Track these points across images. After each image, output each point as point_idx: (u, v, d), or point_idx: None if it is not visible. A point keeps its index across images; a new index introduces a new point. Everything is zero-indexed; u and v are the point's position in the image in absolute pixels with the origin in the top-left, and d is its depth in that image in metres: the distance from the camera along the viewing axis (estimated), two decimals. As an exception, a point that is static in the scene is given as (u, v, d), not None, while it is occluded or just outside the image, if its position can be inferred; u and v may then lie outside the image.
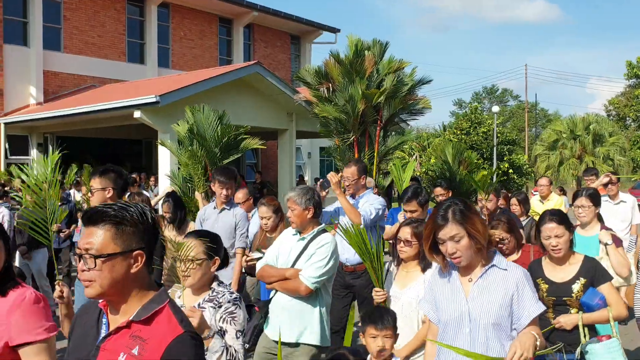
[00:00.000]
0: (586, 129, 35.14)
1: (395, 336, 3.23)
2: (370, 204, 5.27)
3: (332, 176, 5.20)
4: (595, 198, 4.80)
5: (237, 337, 2.90)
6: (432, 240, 2.74)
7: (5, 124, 17.82)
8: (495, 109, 32.31)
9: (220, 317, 2.92)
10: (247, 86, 16.53)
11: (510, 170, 33.79)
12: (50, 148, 18.72)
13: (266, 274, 4.07)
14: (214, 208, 5.70)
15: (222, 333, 2.87)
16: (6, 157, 17.86)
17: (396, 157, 29.13)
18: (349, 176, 5.41)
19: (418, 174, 33.63)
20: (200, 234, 3.11)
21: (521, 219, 6.56)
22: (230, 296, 3.00)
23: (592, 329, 3.61)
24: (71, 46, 19.80)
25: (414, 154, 35.78)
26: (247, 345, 3.82)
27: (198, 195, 9.15)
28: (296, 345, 3.90)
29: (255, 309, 4.18)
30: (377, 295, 3.73)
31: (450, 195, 6.45)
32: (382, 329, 3.15)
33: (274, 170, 21.80)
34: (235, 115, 12.77)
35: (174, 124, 11.92)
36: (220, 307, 2.95)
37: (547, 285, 3.66)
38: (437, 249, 2.76)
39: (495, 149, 31.03)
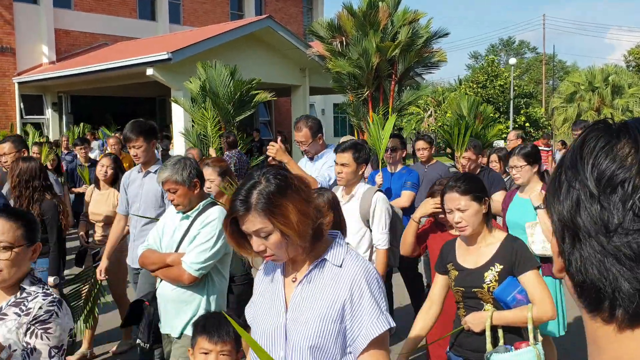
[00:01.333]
0: (605, 80, 34.44)
1: (237, 353, 2.50)
2: (330, 165, 4.49)
3: (271, 148, 4.41)
4: (530, 156, 4.21)
5: (51, 356, 2.14)
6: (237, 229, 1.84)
7: (19, 83, 17.85)
8: (512, 61, 31.70)
9: (28, 329, 2.13)
10: (259, 41, 16.31)
11: (527, 124, 33.40)
12: (64, 107, 18.77)
13: (147, 260, 3.43)
14: (139, 172, 4.67)
15: (28, 351, 2.12)
16: (22, 116, 17.95)
17: (410, 112, 28.85)
18: (302, 140, 4.65)
19: (433, 129, 33.40)
20: (10, 213, 2.28)
21: (503, 176, 5.86)
22: (44, 299, 2.19)
23: (516, 332, 2.76)
24: (81, 3, 19.59)
25: (429, 109, 35.43)
26: (147, 345, 3.47)
27: (212, 152, 9.15)
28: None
29: (145, 303, 3.53)
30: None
31: (432, 151, 5.94)
32: (217, 342, 2.43)
33: (287, 127, 21.70)
34: (247, 71, 12.65)
35: (186, 82, 11.85)
36: (27, 314, 2.15)
37: (456, 272, 2.87)
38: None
39: (511, 102, 30.59)
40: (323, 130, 5.02)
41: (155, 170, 4.39)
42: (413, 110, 30.02)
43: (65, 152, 11.34)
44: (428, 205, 3.67)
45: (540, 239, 4.01)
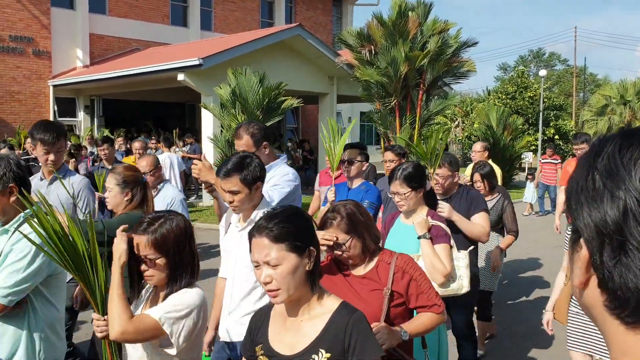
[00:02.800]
0: (637, 94, 33.81)
1: None
2: (273, 185, 3.68)
3: (194, 166, 3.51)
4: (413, 179, 3.46)
5: None
6: None
7: (54, 86, 18.28)
8: (543, 72, 31.29)
9: None
10: (289, 49, 16.46)
11: (557, 137, 32.97)
12: (96, 110, 19.16)
13: None
14: (41, 179, 4.08)
15: None
16: (55, 118, 18.37)
17: (437, 122, 28.73)
18: (243, 149, 3.76)
19: (460, 138, 33.17)
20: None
21: (487, 199, 5.13)
22: None
23: None
24: (116, 9, 20.02)
25: (456, 119, 35.21)
26: None
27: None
28: None
29: None
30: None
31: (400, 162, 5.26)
32: None
33: (314, 135, 21.79)
34: (276, 78, 12.78)
35: (216, 87, 12.02)
36: None
37: None
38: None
39: (541, 114, 30.23)
40: (271, 139, 4.24)
41: (64, 175, 4.04)
42: (440, 120, 29.90)
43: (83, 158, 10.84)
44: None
45: None
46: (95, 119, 18.98)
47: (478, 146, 7.59)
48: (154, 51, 19.34)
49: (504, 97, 33.46)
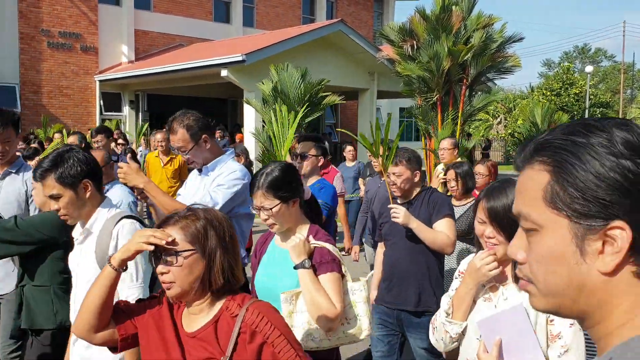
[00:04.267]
0: (690, 91, 32.69)
1: None
2: (218, 185, 3.20)
3: (120, 170, 3.05)
4: (281, 188, 2.52)
5: None
6: None
7: (100, 81, 18.74)
8: (589, 68, 30.58)
9: None
10: (330, 45, 16.47)
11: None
12: (141, 105, 19.56)
13: None
14: None
15: None
16: (101, 113, 18.84)
17: (479, 119, 28.34)
18: (179, 145, 3.29)
19: (503, 135, 32.64)
20: None
21: (459, 203, 4.57)
22: None
23: None
24: (160, 5, 20.38)
25: (498, 115, 34.66)
26: None
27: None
28: None
29: None
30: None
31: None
32: None
33: (353, 131, 21.78)
34: (317, 73, 12.81)
35: (258, 83, 12.13)
36: None
37: None
38: None
39: (587, 111, 29.51)
40: (215, 129, 3.60)
41: (17, 170, 3.58)
42: (482, 116, 29.48)
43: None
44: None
45: (303, 326, 2.43)
46: (140, 114, 19.38)
47: (446, 143, 6.63)
48: (197, 47, 19.62)
49: (548, 93, 32.78)
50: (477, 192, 5.08)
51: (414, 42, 13.37)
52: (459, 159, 6.20)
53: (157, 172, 7.46)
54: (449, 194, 4.69)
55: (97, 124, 18.17)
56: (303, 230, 2.58)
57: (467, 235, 4.34)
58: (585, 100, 30.17)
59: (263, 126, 12.51)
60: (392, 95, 20.13)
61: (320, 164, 4.29)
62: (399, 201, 3.61)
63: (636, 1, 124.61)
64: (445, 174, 4.83)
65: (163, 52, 19.89)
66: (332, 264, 2.45)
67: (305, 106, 11.44)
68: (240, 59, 13.73)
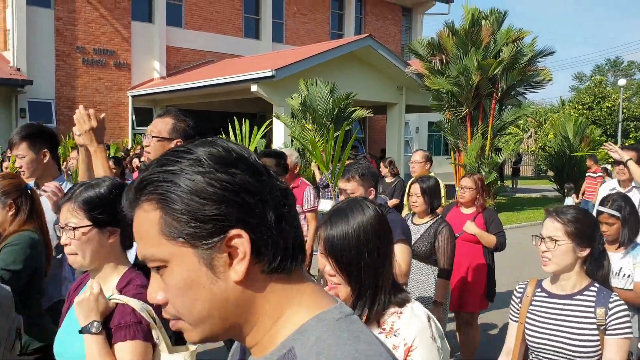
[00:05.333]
0: None
1: None
2: None
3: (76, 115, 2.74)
4: (93, 207, 1.94)
5: None
6: None
7: (133, 96, 19.11)
8: (622, 82, 30.00)
9: None
10: (358, 60, 16.54)
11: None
12: (172, 120, 19.86)
13: None
14: None
15: None
16: (133, 127, 19.20)
17: (509, 133, 28.06)
18: (21, 155, 3.00)
19: (533, 149, 32.20)
20: None
21: (422, 221, 4.28)
22: None
23: None
24: (192, 22, 20.76)
25: (528, 129, 34.24)
26: None
27: (314, 166, 9.36)
28: None
29: None
30: None
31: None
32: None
33: (382, 144, 21.75)
34: (345, 88, 12.86)
35: (288, 98, 12.24)
36: None
37: None
38: None
39: (620, 125, 28.95)
40: (55, 144, 3.24)
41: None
42: (512, 130, 29.16)
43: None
44: None
45: None
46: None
47: (418, 156, 6.25)
48: (227, 63, 19.89)
49: (580, 107, 32.29)
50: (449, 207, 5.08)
51: (443, 57, 13.37)
52: (432, 173, 5.97)
53: None
54: (412, 211, 4.42)
55: (130, 139, 18.51)
56: (113, 275, 1.92)
57: (430, 257, 4.12)
58: (619, 113, 29.64)
59: (292, 141, 12.61)
60: (420, 109, 20.07)
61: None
62: None
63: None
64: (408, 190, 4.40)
65: (194, 67, 20.22)
66: (135, 329, 1.79)
67: (333, 120, 11.50)
68: (269, 74, 13.88)
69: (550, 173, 19.73)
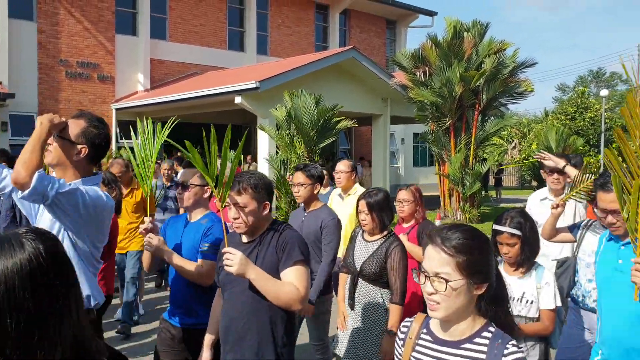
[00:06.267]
0: None
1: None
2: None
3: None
4: None
5: None
6: None
7: (117, 109, 19.02)
8: (604, 92, 30.41)
9: None
10: (343, 72, 16.62)
11: (620, 158, 31.82)
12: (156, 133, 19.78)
13: None
14: None
15: None
16: (117, 141, 19.08)
17: (493, 143, 28.29)
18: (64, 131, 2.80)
19: (517, 160, 32.46)
20: None
21: (371, 239, 3.91)
22: None
23: None
24: (176, 35, 20.76)
25: (512, 140, 34.53)
26: None
27: (289, 177, 9.36)
28: None
29: None
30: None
31: (316, 188, 4.38)
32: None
33: (367, 156, 21.83)
34: (330, 100, 12.90)
35: (272, 109, 12.24)
36: None
37: None
38: None
39: (602, 135, 29.30)
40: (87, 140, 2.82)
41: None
42: (496, 141, 29.39)
43: None
44: None
45: None
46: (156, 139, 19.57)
47: (343, 165, 5.75)
48: (211, 75, 19.89)
49: (563, 117, 32.66)
50: (406, 225, 4.64)
51: (426, 69, 13.47)
52: (357, 184, 5.64)
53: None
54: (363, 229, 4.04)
55: (113, 152, 18.39)
56: None
57: (380, 278, 3.71)
58: (601, 123, 30.00)
59: (277, 152, 12.60)
60: (405, 120, 20.19)
61: (206, 194, 3.52)
62: (244, 239, 2.89)
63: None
64: (357, 205, 3.99)
65: (178, 80, 20.19)
66: None
67: (318, 131, 11.52)
68: (253, 86, 13.89)
69: (534, 183, 19.90)
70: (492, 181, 24.34)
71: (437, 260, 1.72)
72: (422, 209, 4.63)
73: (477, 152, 14.02)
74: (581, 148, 17.79)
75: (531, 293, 3.16)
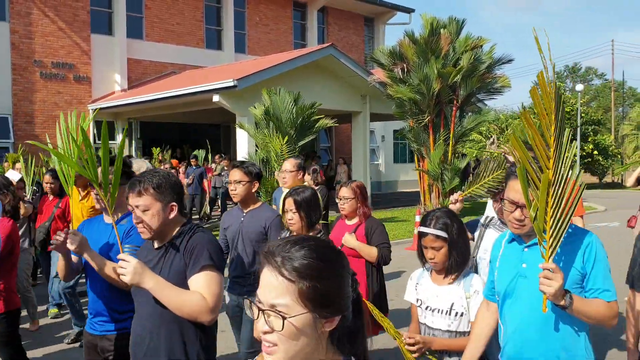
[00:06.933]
0: (680, 107, 33.05)
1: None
2: None
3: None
4: None
5: None
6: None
7: (94, 110, 18.79)
8: (580, 87, 30.82)
9: None
10: (322, 69, 16.61)
11: (595, 152, 32.32)
12: (134, 133, 19.60)
13: None
14: None
15: None
16: (94, 142, 18.86)
17: (472, 139, 28.46)
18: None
19: (496, 155, 32.74)
20: None
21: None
22: None
23: None
24: (152, 34, 20.57)
25: (491, 136, 34.84)
26: None
27: (277, 175, 9.32)
28: None
29: None
30: None
31: (254, 187, 4.15)
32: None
33: (347, 153, 21.85)
34: (309, 98, 12.88)
35: (251, 107, 12.19)
36: None
37: None
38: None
39: (579, 129, 29.71)
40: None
41: None
42: (475, 137, 29.62)
43: None
44: None
45: None
46: (134, 142, 19.42)
47: (289, 164, 5.57)
48: (189, 74, 19.76)
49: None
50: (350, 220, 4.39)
51: (404, 65, 13.50)
52: (306, 183, 5.26)
53: (75, 207, 6.15)
54: (286, 228, 3.89)
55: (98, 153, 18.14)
56: None
57: None
58: (577, 118, 30.42)
59: (256, 150, 12.54)
60: (385, 117, 20.25)
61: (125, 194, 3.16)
62: (155, 245, 2.63)
63: (624, 21, 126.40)
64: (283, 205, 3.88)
65: (156, 79, 20.01)
66: None
67: (297, 129, 11.49)
68: (231, 84, 13.82)
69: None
70: (471, 177, 24.53)
71: (270, 286, 1.23)
72: (365, 206, 4.37)
73: (456, 148, 14.10)
74: (558, 142, 18.00)
75: (460, 304, 2.83)
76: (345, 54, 17.43)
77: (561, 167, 2.15)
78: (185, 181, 14.58)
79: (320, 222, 3.95)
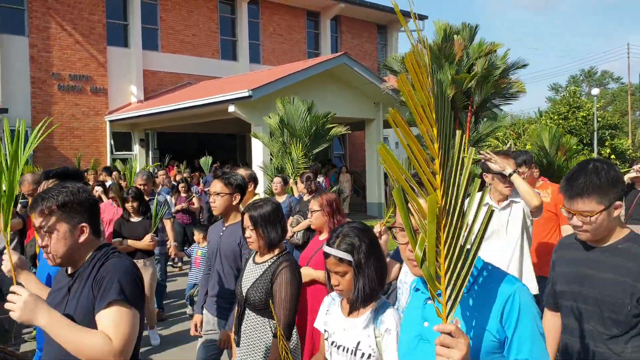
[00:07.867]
0: (699, 109, 32.61)
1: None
2: None
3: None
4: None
5: None
6: None
7: (110, 121, 19.02)
8: (595, 91, 30.57)
9: None
10: (335, 77, 16.67)
11: (613, 156, 31.97)
12: (151, 143, 19.80)
13: None
14: None
15: None
16: (112, 152, 19.08)
17: (488, 144, 28.40)
18: None
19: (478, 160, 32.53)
20: None
21: (259, 260, 3.42)
22: None
23: None
24: (168, 46, 20.80)
25: (507, 141, 34.64)
26: None
27: (292, 183, 9.36)
28: None
29: None
30: None
31: (234, 199, 3.93)
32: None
33: (361, 160, 21.85)
34: (323, 106, 12.94)
35: (265, 117, 12.27)
36: None
37: None
38: None
39: (595, 133, 29.43)
40: None
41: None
42: (491, 142, 29.48)
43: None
44: None
45: None
46: (150, 152, 19.60)
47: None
48: (205, 85, 19.93)
49: (556, 117, 32.80)
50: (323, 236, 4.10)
51: (418, 72, 13.48)
52: (258, 195, 5.12)
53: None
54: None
55: (109, 164, 18.37)
56: None
57: (267, 308, 3.06)
58: (594, 122, 30.14)
59: (271, 159, 12.61)
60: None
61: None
62: (69, 270, 2.29)
63: (639, 24, 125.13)
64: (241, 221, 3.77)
65: (171, 90, 20.22)
66: None
67: (311, 137, 11.54)
68: (246, 94, 13.92)
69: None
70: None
71: None
72: (334, 219, 3.96)
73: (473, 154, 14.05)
74: (575, 147, 17.87)
75: (368, 344, 2.24)
76: (358, 62, 17.48)
77: (453, 183, 1.54)
78: (180, 206, 10.71)
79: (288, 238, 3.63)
